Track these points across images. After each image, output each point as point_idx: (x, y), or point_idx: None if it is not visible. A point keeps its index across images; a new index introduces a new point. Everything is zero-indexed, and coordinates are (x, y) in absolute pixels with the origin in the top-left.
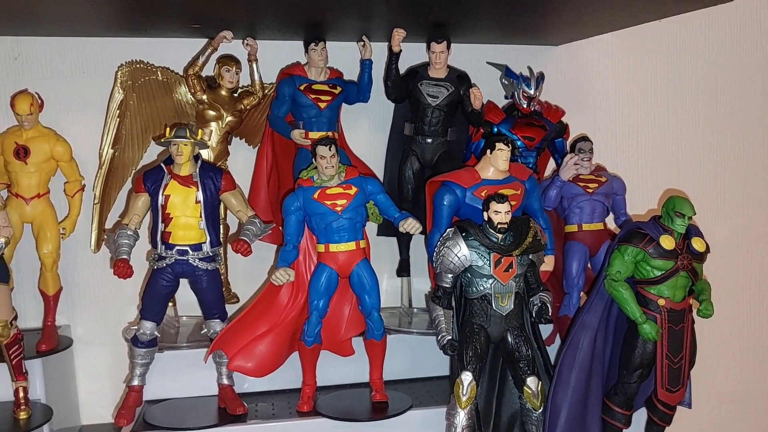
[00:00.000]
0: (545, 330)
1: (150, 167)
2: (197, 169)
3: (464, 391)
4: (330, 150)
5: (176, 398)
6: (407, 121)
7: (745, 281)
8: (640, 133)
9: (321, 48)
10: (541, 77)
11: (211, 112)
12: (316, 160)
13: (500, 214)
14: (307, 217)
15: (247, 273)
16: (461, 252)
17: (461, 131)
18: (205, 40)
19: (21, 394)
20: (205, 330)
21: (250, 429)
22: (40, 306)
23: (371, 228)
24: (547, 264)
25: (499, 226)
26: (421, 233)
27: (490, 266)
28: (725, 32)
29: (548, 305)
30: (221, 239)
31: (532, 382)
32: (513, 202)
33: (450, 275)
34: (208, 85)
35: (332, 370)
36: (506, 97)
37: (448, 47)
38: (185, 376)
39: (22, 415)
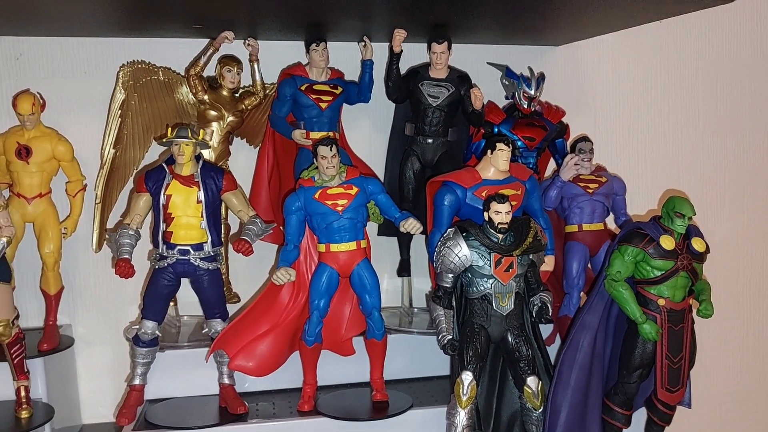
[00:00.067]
0: (545, 330)
1: (151, 167)
2: (199, 169)
3: (464, 391)
4: (331, 150)
5: (177, 397)
6: (408, 121)
7: (745, 281)
8: (641, 133)
9: (322, 48)
10: (541, 77)
11: (213, 113)
12: (317, 160)
13: (501, 214)
14: (308, 216)
15: (248, 273)
16: (462, 252)
17: (462, 131)
18: (206, 41)
19: (22, 393)
20: (206, 329)
21: (251, 428)
22: (41, 305)
23: (372, 228)
24: (548, 264)
25: (499, 226)
26: (421, 233)
27: (490, 266)
28: (725, 33)
29: (548, 305)
30: (222, 239)
31: (532, 381)
32: (513, 203)
33: (450, 275)
34: (209, 85)
35: (333, 369)
36: (507, 98)
37: (449, 48)
38: (186, 375)
39: (24, 414)
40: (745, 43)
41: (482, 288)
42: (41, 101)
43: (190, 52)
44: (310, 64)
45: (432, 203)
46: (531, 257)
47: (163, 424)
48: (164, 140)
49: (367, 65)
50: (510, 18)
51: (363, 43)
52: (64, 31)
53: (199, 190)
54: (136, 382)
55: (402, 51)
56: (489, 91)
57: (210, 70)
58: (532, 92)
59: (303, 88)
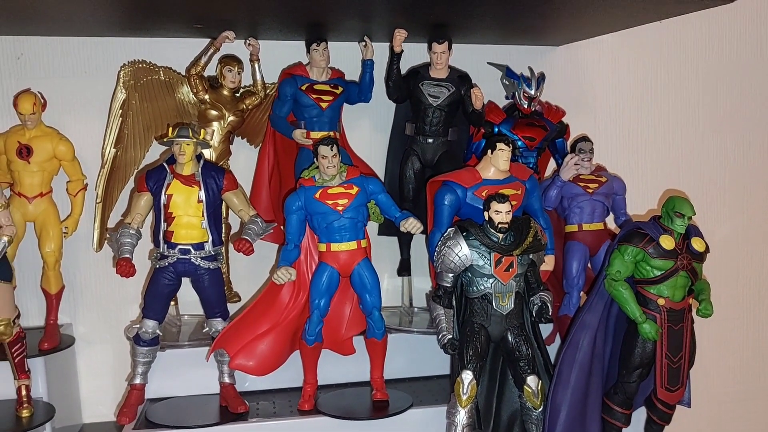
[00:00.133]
0: (545, 329)
1: (152, 167)
2: (199, 169)
3: (465, 390)
4: (331, 150)
5: (178, 396)
6: (408, 121)
7: (745, 281)
8: (640, 133)
9: (323, 48)
10: (541, 77)
11: (213, 112)
12: (317, 160)
13: (501, 213)
14: (309, 216)
15: (248, 272)
16: (462, 251)
17: (462, 131)
18: (207, 40)
19: (23, 392)
20: (207, 329)
21: (252, 427)
22: (42, 304)
23: (372, 227)
24: (548, 264)
25: (499, 225)
26: (422, 233)
27: (490, 266)
28: (725, 33)
29: (548, 305)
30: (223, 238)
31: (532, 381)
32: (513, 202)
33: (451, 275)
34: (210, 84)
35: (333, 368)
36: (507, 98)
37: (449, 48)
38: (187, 374)
39: (25, 413)
40: (744, 44)
41: (482, 287)
42: (42, 101)
43: (191, 51)
44: (310, 63)
45: (432, 203)
46: (531, 257)
47: (163, 423)
48: (165, 140)
49: (367, 65)
50: (510, 18)
51: (363, 43)
52: (65, 30)
53: (200, 189)
54: (137, 381)
55: (402, 51)
56: (489, 91)
57: (211, 70)
58: (533, 92)
59: (304, 87)
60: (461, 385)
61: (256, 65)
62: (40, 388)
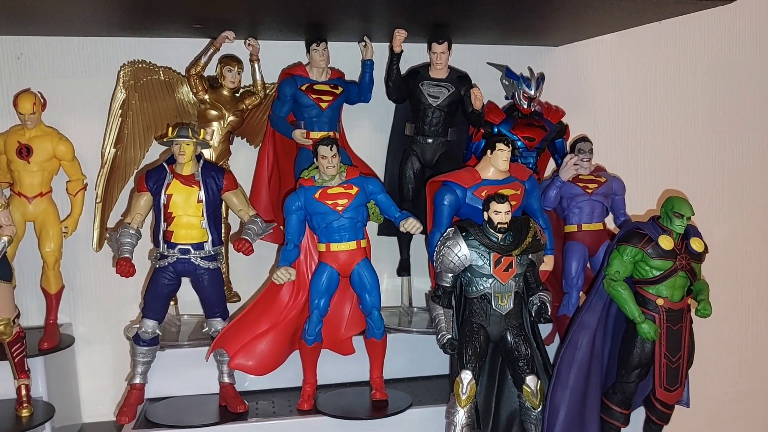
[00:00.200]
0: (544, 329)
1: (152, 167)
2: (199, 169)
3: (464, 390)
4: (331, 150)
5: (177, 396)
6: (408, 121)
7: (744, 281)
8: (640, 133)
9: (322, 48)
10: (541, 78)
11: (213, 112)
12: (317, 160)
13: (500, 214)
14: (309, 216)
15: (248, 272)
16: (461, 251)
17: (462, 131)
18: (207, 40)
19: (23, 392)
20: (207, 328)
21: (251, 427)
22: (42, 304)
23: (372, 227)
24: (547, 264)
25: (499, 225)
26: (421, 233)
27: (489, 266)
28: (724, 33)
29: (547, 305)
30: (223, 238)
31: (531, 381)
32: (513, 202)
33: (450, 275)
34: (210, 84)
35: (333, 368)
36: (507, 98)
37: (449, 48)
38: (187, 374)
39: (24, 413)
40: (744, 44)
41: (481, 287)
42: (42, 100)
43: (191, 51)
44: (310, 64)
45: (432, 203)
46: (530, 257)
47: (163, 422)
48: (165, 140)
49: (367, 65)
50: (510, 18)
51: (363, 43)
52: (65, 30)
53: (200, 189)
54: (137, 380)
55: (402, 51)
56: (489, 91)
57: (210, 70)
58: (532, 92)
59: (303, 87)
60: (460, 384)
61: (256, 65)
62: (40, 387)
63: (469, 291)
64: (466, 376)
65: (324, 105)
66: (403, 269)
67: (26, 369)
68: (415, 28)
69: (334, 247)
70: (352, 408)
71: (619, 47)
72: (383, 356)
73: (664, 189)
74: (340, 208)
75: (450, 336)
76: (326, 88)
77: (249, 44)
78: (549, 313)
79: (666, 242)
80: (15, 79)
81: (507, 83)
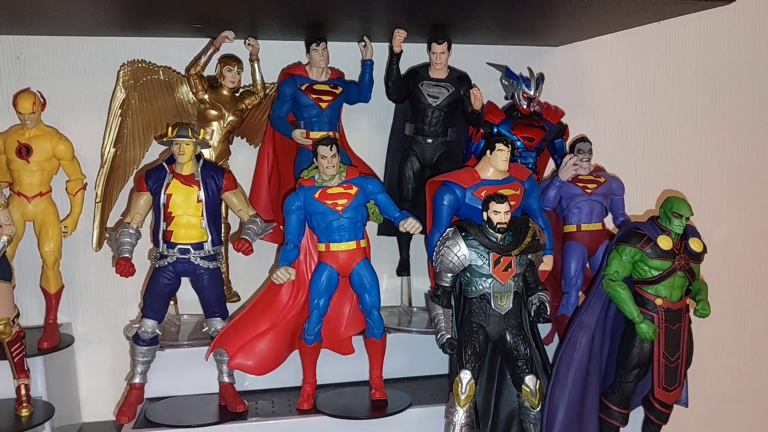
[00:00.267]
0: (544, 329)
1: (152, 166)
2: (199, 169)
3: (463, 390)
4: (331, 150)
5: (177, 396)
6: (408, 121)
7: (743, 281)
8: (639, 133)
9: (322, 48)
10: (540, 78)
11: (213, 112)
12: (317, 160)
13: (499, 214)
14: (308, 216)
15: (248, 272)
16: (461, 251)
17: (461, 131)
18: (206, 40)
19: (23, 392)
20: (206, 328)
21: (251, 427)
22: (41, 304)
23: (371, 227)
24: (546, 264)
25: (498, 226)
26: (421, 233)
27: (489, 266)
28: (723, 34)
29: (547, 305)
30: (222, 238)
31: (530, 380)
32: (512, 203)
33: (449, 274)
34: (209, 84)
35: (332, 368)
36: (506, 98)
37: (449, 48)
38: (186, 373)
39: (24, 413)
40: (743, 44)
41: (481, 287)
42: (42, 100)
43: (191, 51)
44: (310, 63)
45: (431, 203)
46: (529, 257)
47: (163, 422)
48: (164, 139)
49: (367, 65)
50: (509, 18)
51: (363, 43)
52: (65, 30)
53: (200, 189)
54: (136, 380)
55: (402, 51)
56: (488, 91)
57: (210, 70)
58: (532, 92)
59: (303, 87)
60: (460, 384)
61: (256, 65)
62: (40, 387)
63: (469, 291)
64: (466, 375)
65: (324, 105)
66: (403, 269)
67: (26, 369)
68: (415, 28)
69: (333, 247)
70: (352, 407)
71: (619, 47)
72: (383, 356)
73: (663, 189)
74: (339, 208)
75: (449, 336)
76: (326, 88)
77: (249, 44)
78: (548, 313)
79: (665, 242)
80: (15, 79)
81: (506, 83)
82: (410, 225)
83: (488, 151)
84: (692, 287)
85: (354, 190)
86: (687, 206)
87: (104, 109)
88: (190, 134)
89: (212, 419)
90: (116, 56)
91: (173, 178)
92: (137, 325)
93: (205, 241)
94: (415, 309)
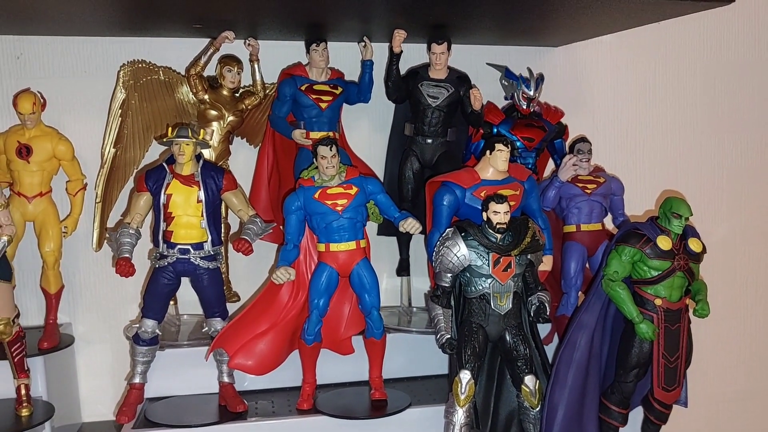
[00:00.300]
0: (543, 329)
1: (152, 167)
2: (199, 169)
3: (462, 390)
4: (331, 150)
5: (177, 396)
6: (407, 121)
7: (742, 281)
8: (639, 134)
9: (322, 49)
10: (540, 78)
11: (213, 112)
12: (317, 160)
13: (499, 214)
14: (308, 216)
15: (248, 272)
16: (460, 252)
17: (461, 132)
18: (206, 41)
19: (23, 392)
20: (206, 328)
21: (250, 426)
22: (41, 304)
23: (371, 227)
24: (546, 264)
25: (498, 226)
26: (420, 233)
27: (488, 266)
28: (723, 34)
29: (546, 305)
30: (222, 238)
31: (529, 380)
32: (512, 203)
33: (449, 275)
34: (209, 85)
35: (332, 368)
36: (506, 98)
37: (449, 48)
38: (186, 373)
39: (24, 412)
40: (742, 44)
41: (480, 287)
42: (42, 100)
43: (191, 51)
44: (310, 64)
45: (431, 203)
46: (529, 257)
47: (162, 422)
48: (164, 140)
49: (367, 65)
50: (509, 19)
51: (363, 44)
52: (65, 30)
53: (200, 189)
54: (136, 380)
55: (402, 51)
56: (488, 91)
57: (210, 70)
58: (531, 93)
59: (303, 88)
60: (459, 384)
61: (256, 65)
62: (40, 387)
63: (468, 291)
64: (465, 375)
65: (323, 105)
66: (403, 269)
67: (26, 368)
68: (415, 29)
69: (333, 247)
70: (352, 407)
71: (618, 48)
72: (382, 356)
73: (663, 189)
74: (339, 208)
75: (449, 336)
76: (326, 88)
77: (249, 44)
78: (548, 313)
79: (664, 242)
80: (15, 79)
81: (506, 84)
82: (410, 225)
83: (488, 152)
84: (691, 287)
85: (354, 190)
86: (686, 206)
87: (104, 109)
88: (190, 134)
89: (212, 419)
90: (116, 56)
91: (173, 179)
92: (137, 325)
93: (205, 242)
94: (414, 309)
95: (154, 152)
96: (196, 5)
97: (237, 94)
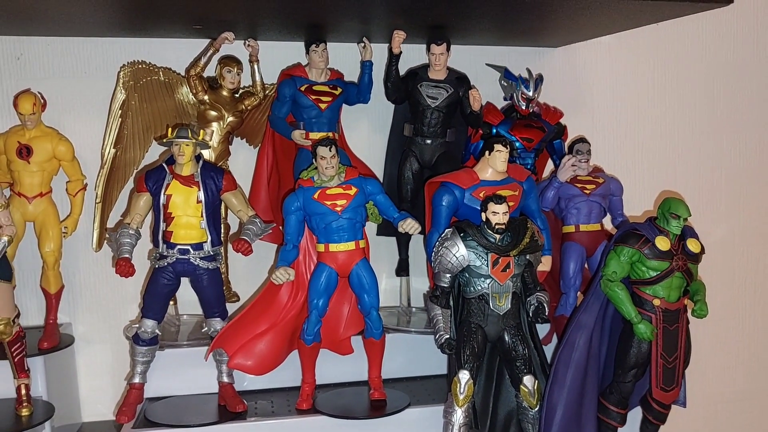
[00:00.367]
0: (542, 329)
1: (152, 167)
2: (199, 169)
3: (461, 390)
4: (330, 150)
5: (177, 396)
6: (407, 122)
7: (741, 282)
8: (638, 134)
9: (322, 49)
10: (539, 79)
11: (213, 113)
12: (316, 161)
13: (498, 214)
14: (307, 217)
15: (247, 272)
16: (459, 252)
17: (460, 132)
18: (206, 41)
19: (23, 391)
20: (206, 328)
21: (250, 426)
22: (42, 304)
23: (371, 228)
24: (545, 264)
25: (496, 226)
26: (420, 233)
27: (487, 266)
28: (722, 35)
29: (545, 305)
30: (222, 238)
31: (528, 380)
32: (511, 203)
33: (448, 275)
34: (209, 85)
35: (331, 368)
36: (505, 99)
37: (448, 49)
38: (186, 373)
39: (24, 412)
40: (742, 45)
41: (479, 288)
42: (42, 101)
43: (191, 52)
44: (309, 64)
45: (430, 204)
46: (528, 257)
47: (162, 422)
48: (164, 140)
49: (366, 66)
50: (508, 20)
51: (362, 45)
52: (65, 31)
53: (199, 190)
54: (136, 380)
55: (401, 52)
56: (487, 92)
57: (210, 71)
58: (531, 93)
59: (302, 88)
60: (458, 384)
61: (256, 66)
62: (40, 387)
63: (467, 291)
64: (464, 375)
65: (323, 106)
66: (402, 269)
67: (26, 368)
68: (414, 30)
69: (332, 247)
70: (351, 407)
71: (618, 48)
72: (382, 356)
73: (662, 190)
74: (338, 209)
75: (448, 336)
76: (325, 89)
77: (248, 45)
78: (546, 314)
79: (663, 243)
80: (15, 80)
81: (505, 84)
82: (409, 226)
83: (487, 152)
84: (690, 288)
85: (353, 190)
86: (685, 207)
87: (104, 109)
88: (189, 135)
89: (212, 419)
90: (116, 57)
91: (173, 179)
92: (137, 325)
93: (205, 242)
94: (414, 309)
95: (153, 153)
96: (196, 6)
97: (237, 95)
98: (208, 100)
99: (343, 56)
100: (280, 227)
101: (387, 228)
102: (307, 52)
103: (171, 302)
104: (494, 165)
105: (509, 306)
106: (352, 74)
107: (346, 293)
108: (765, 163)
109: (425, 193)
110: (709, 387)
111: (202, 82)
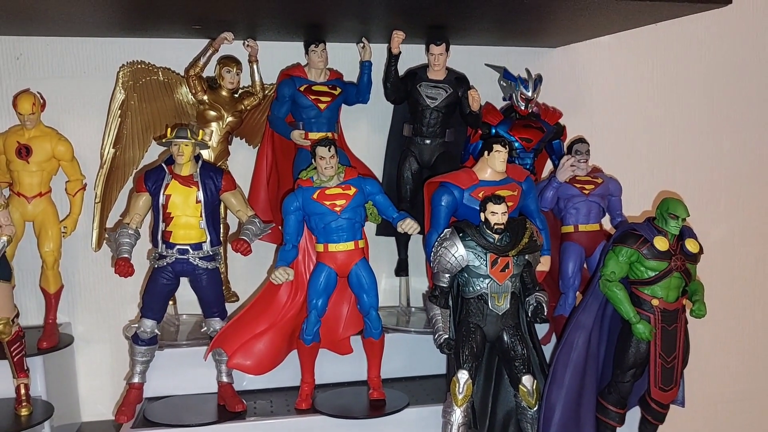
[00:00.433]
0: (541, 329)
1: (151, 167)
2: (198, 169)
3: (460, 390)
4: (329, 151)
5: (176, 395)
6: (406, 122)
7: (740, 282)
8: (637, 134)
9: (321, 49)
10: (538, 79)
11: (212, 113)
12: (315, 161)
13: (497, 215)
14: (307, 217)
15: (246, 272)
16: (458, 252)
17: (459, 132)
18: (206, 41)
19: (22, 391)
20: (205, 328)
21: (249, 426)
22: (41, 304)
23: (370, 228)
24: (544, 264)
25: (495, 226)
26: (419, 233)
27: (486, 266)
28: (721, 35)
29: (544, 305)
30: (221, 238)
31: (527, 380)
32: (510, 203)
33: (447, 275)
34: (208, 85)
35: (330, 368)
36: (504, 99)
37: (447, 49)
38: (185, 373)
39: (24, 412)
40: (741, 45)
41: (478, 288)
42: (41, 101)
43: (190, 52)
44: (309, 65)
45: (429, 204)
46: (527, 257)
47: (161, 421)
48: (164, 140)
49: (365, 66)
50: (508, 20)
51: (362, 45)
52: (64, 31)
53: (198, 190)
54: (135, 380)
55: (400, 52)
56: (487, 92)
57: (209, 71)
58: (530, 94)
59: (302, 88)
60: (457, 384)
61: (255, 66)
62: (39, 386)
63: (466, 291)
64: (463, 375)
65: (322, 106)
66: (401, 269)
67: (25, 368)
68: (413, 30)
69: (332, 247)
70: (350, 407)
71: (617, 49)
72: (381, 356)
73: (661, 190)
74: (338, 209)
75: (447, 336)
76: (324, 89)
77: (248, 45)
78: (545, 314)
79: (661, 243)
80: (14, 80)
81: (505, 84)
82: (408, 226)
83: (486, 152)
84: (688, 288)
85: (352, 190)
86: (683, 207)
87: (104, 109)
88: (189, 135)
89: (211, 419)
90: (115, 57)
91: (172, 179)
92: (136, 325)
93: (204, 242)
94: (413, 309)
95: (153, 153)
96: (196, 6)
97: (236, 95)
98: (207, 100)
99: (343, 56)
100: (280, 227)
101: (386, 228)
102: (307, 53)
103: (170, 302)
104: (493, 165)
105: (508, 306)
106: (351, 74)
107: (345, 293)
108: (764, 163)
109: (424, 193)
110: (707, 387)
111: (201, 82)
